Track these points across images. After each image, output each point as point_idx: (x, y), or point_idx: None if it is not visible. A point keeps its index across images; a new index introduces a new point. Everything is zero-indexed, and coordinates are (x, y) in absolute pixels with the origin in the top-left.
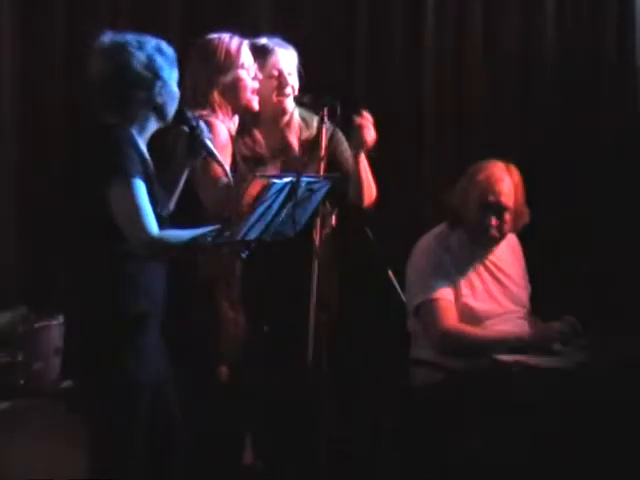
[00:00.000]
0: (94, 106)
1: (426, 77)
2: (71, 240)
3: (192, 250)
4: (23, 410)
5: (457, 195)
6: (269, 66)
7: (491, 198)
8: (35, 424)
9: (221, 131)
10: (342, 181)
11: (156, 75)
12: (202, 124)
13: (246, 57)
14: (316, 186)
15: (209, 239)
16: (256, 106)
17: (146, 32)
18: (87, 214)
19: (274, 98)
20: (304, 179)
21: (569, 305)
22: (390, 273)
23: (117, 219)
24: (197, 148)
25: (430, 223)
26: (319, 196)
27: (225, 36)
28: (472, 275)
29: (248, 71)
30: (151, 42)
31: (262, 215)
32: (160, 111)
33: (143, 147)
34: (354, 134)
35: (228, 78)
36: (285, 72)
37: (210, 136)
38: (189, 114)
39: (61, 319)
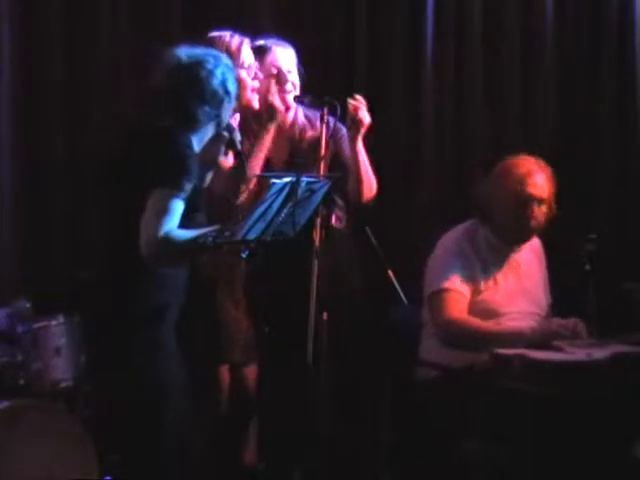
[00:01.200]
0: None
1: (426, 77)
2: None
3: (193, 253)
4: (23, 410)
5: (487, 189)
6: (267, 64)
7: (531, 191)
8: (35, 424)
9: None
10: (341, 177)
11: (227, 91)
12: (236, 128)
13: (247, 56)
14: (316, 186)
15: (210, 239)
16: (256, 105)
17: (146, 31)
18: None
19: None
20: (304, 179)
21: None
22: (390, 273)
23: (143, 218)
24: (228, 149)
25: (430, 223)
26: (319, 196)
27: (226, 34)
28: (494, 270)
29: (248, 70)
30: (221, 57)
31: (262, 215)
32: (221, 122)
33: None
34: (349, 116)
35: None
36: (284, 69)
37: (240, 138)
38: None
39: (61, 319)
